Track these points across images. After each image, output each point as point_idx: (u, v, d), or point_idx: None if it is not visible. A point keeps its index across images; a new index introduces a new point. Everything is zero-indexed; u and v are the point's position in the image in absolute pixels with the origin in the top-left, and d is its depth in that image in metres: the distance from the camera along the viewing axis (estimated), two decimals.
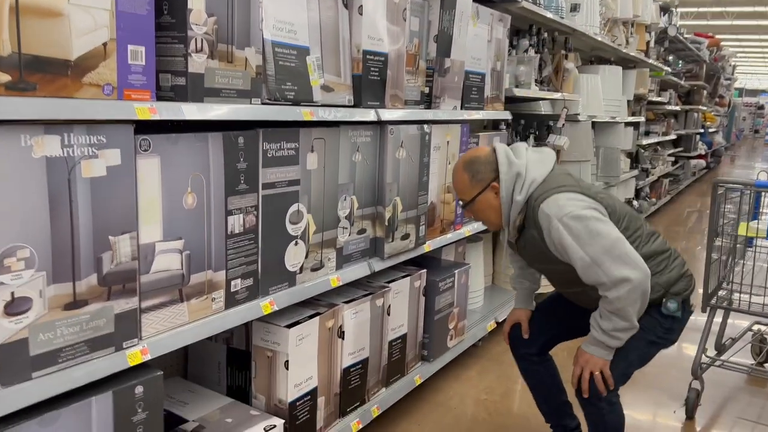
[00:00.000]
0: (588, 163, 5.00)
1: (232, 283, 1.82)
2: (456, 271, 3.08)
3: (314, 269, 2.15)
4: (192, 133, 1.63)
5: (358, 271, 2.37)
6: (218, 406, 2.12)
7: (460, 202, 2.21)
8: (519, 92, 3.66)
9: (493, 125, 4.17)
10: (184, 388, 2.24)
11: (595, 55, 6.12)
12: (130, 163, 1.46)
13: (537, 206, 2.02)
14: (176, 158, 1.59)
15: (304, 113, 1.94)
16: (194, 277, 1.69)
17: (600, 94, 5.24)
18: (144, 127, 1.56)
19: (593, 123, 5.20)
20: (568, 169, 2.20)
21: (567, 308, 2.35)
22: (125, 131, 1.44)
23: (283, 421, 2.05)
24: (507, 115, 3.48)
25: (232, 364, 2.33)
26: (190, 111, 1.56)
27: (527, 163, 2.10)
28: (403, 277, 2.73)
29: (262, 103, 1.83)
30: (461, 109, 3.03)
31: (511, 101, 4.17)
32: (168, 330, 1.63)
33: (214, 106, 1.65)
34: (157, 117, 1.47)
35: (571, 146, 4.54)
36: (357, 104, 2.26)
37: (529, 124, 4.34)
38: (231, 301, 1.83)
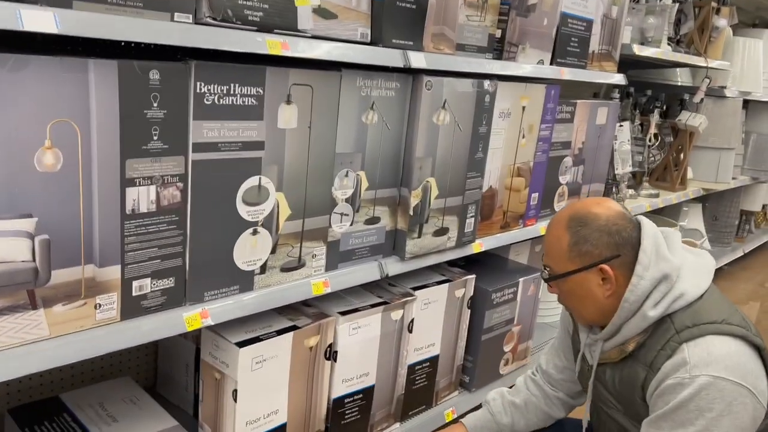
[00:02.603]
0: (731, 152, 3.95)
1: (135, 284, 1.26)
2: (521, 279, 2.34)
3: (287, 269, 1.54)
4: (57, 56, 1.06)
5: (361, 273, 1.73)
6: (154, 430, 1.61)
7: (545, 270, 1.46)
8: (642, 51, 2.77)
9: (605, 93, 3.29)
10: (127, 395, 1.74)
11: (761, 17, 4.89)
12: None
13: (678, 344, 1.28)
14: (20, 93, 1.03)
15: (269, 43, 1.31)
16: (60, 273, 1.14)
17: (761, 65, 4.11)
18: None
19: (745, 101, 4.10)
20: (726, 296, 1.41)
21: None
22: None
23: None
24: (619, 79, 2.63)
25: (199, 369, 1.81)
26: (35, 19, 0.98)
27: (682, 265, 1.34)
28: (439, 283, 2.05)
29: (196, 23, 1.22)
30: (550, 64, 2.25)
31: (633, 64, 3.26)
32: (6, 348, 1.10)
33: (93, 17, 1.06)
34: None
35: (709, 128, 3.55)
36: (375, 41, 1.59)
37: (656, 96, 3.40)
38: (133, 309, 1.27)
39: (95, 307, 1.21)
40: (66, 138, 1.09)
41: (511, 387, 1.83)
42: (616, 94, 2.97)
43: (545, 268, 1.45)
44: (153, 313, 1.30)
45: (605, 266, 1.34)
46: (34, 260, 1.10)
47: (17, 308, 1.10)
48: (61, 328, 1.16)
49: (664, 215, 3.94)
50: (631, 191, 3.23)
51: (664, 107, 3.39)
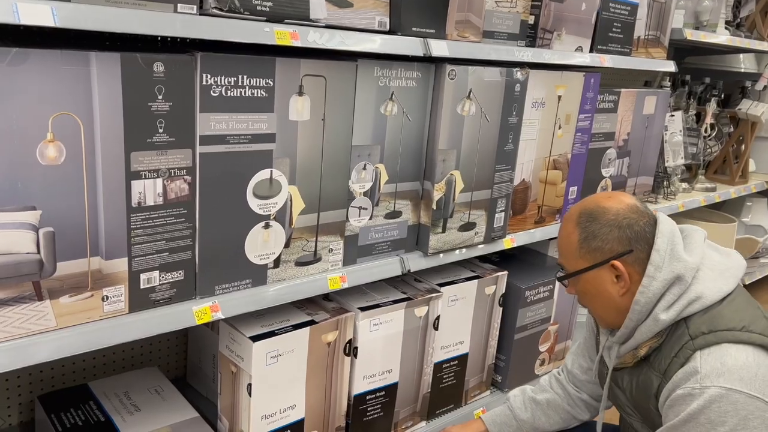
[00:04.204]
0: None
1: (143, 276, 1.26)
2: None
3: (302, 263, 1.52)
4: (58, 50, 1.07)
5: (381, 269, 1.69)
6: (174, 421, 1.62)
7: (561, 270, 1.42)
8: (696, 36, 2.61)
9: (659, 83, 3.12)
10: (152, 385, 1.77)
11: None
12: None
13: (691, 352, 1.19)
14: (22, 87, 1.04)
15: (278, 34, 1.28)
16: (65, 265, 1.15)
17: None
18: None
19: None
20: (755, 301, 1.29)
21: None
22: None
23: None
24: (668, 66, 2.48)
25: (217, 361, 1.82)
26: (32, 12, 0.99)
27: (701, 264, 1.25)
28: (468, 279, 1.99)
29: (201, 14, 1.21)
30: (590, 51, 2.14)
31: (691, 51, 3.09)
32: (12, 338, 1.12)
33: (91, 9, 1.06)
34: None
35: None
36: (395, 29, 1.54)
37: (714, 84, 3.20)
38: (141, 301, 1.27)
39: (102, 299, 1.22)
40: (69, 131, 1.10)
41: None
42: (667, 82, 2.80)
43: (561, 268, 1.37)
44: (162, 305, 1.30)
45: (617, 263, 1.26)
46: (38, 252, 1.11)
47: (23, 299, 1.12)
48: (68, 319, 1.18)
49: (724, 210, 3.72)
50: (684, 185, 3.06)
51: (722, 95, 3.19)
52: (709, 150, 3.18)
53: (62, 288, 1.16)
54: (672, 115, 2.76)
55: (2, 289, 1.09)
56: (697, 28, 2.74)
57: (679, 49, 3.27)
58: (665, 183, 2.86)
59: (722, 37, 2.76)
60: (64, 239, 1.14)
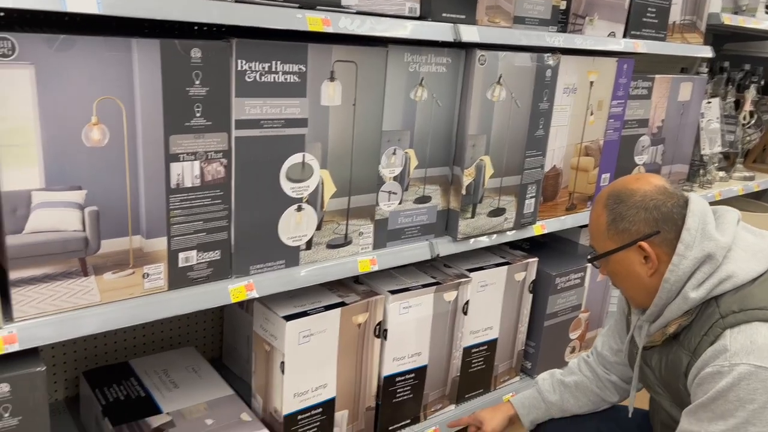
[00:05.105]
0: None
1: (182, 255, 1.31)
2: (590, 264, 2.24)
3: (333, 245, 1.56)
4: (101, 36, 1.12)
5: (410, 253, 1.72)
6: (210, 398, 1.69)
7: (591, 253, 1.44)
8: (734, 21, 2.55)
9: (696, 69, 3.06)
10: (189, 364, 1.84)
11: None
12: None
13: (721, 330, 1.20)
14: (68, 72, 1.09)
15: (310, 20, 1.31)
16: (108, 243, 1.21)
17: None
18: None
19: None
20: None
21: None
22: None
23: None
24: (705, 52, 2.43)
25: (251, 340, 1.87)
26: (79, 0, 1.04)
27: (732, 243, 1.25)
28: (498, 265, 2.00)
29: (236, 1, 1.24)
30: (624, 36, 2.12)
31: (731, 37, 3.03)
32: (60, 312, 1.18)
33: None
34: None
35: None
36: (425, 15, 1.55)
37: (753, 71, 3.12)
38: (179, 279, 1.33)
39: (143, 277, 1.27)
40: (111, 114, 1.15)
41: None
42: (704, 69, 2.75)
43: (592, 250, 1.39)
44: (199, 284, 1.36)
45: (644, 244, 1.26)
46: (84, 230, 1.17)
47: (70, 275, 1.18)
48: (111, 295, 1.24)
49: (763, 200, 3.63)
50: (721, 173, 3.00)
51: (762, 82, 3.11)
52: (748, 138, 3.11)
53: (106, 265, 1.21)
54: (709, 102, 2.71)
55: (51, 264, 1.15)
56: (736, 13, 2.68)
57: (718, 36, 3.20)
58: (701, 171, 2.81)
59: (763, 22, 2.70)
60: (107, 218, 1.19)
